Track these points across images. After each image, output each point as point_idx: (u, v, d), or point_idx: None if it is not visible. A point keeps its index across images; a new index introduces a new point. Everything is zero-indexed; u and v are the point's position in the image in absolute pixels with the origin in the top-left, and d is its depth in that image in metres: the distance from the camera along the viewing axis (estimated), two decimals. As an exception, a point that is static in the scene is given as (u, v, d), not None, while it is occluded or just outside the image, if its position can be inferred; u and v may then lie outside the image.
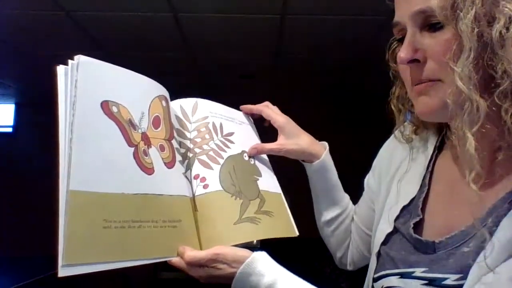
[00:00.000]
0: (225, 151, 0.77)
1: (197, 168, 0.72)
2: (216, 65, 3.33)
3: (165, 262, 0.62)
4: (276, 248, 0.98)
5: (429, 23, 0.55)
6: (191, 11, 2.38)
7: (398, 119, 0.71)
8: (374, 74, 2.28)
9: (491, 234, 0.51)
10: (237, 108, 0.88)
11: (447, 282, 0.54)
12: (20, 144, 4.31)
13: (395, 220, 0.67)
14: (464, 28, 0.51)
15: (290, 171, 1.38)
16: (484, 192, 0.52)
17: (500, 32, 0.50)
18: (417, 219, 0.64)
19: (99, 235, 0.54)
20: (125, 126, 0.62)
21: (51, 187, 0.57)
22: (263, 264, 0.61)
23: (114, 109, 0.61)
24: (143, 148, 0.64)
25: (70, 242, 0.51)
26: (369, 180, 0.83)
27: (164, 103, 0.72)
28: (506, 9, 0.50)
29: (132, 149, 0.62)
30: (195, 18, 2.46)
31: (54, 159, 0.55)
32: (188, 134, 0.76)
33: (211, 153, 0.75)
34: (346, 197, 0.89)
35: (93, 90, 0.60)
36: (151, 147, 0.65)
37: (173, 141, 0.71)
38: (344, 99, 4.29)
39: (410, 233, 0.63)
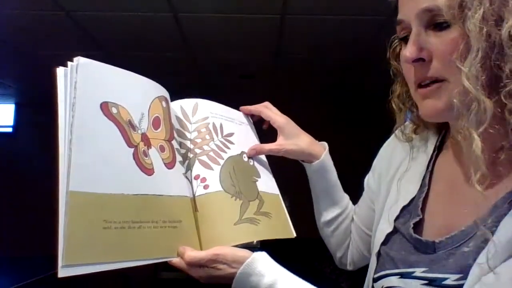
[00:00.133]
0: (225, 152, 0.77)
1: (197, 169, 0.73)
2: (216, 65, 3.33)
3: (166, 262, 0.62)
4: (276, 248, 0.98)
5: (435, 22, 0.55)
6: (191, 11, 2.38)
7: (398, 117, 0.71)
8: (374, 74, 2.29)
9: (492, 234, 0.51)
10: (237, 109, 0.88)
11: (447, 282, 0.54)
12: (20, 144, 4.30)
13: (395, 220, 0.67)
14: (472, 28, 0.51)
15: (289, 172, 1.38)
16: (486, 192, 0.52)
17: (509, 32, 0.50)
18: (417, 219, 0.64)
19: (99, 235, 0.54)
20: (125, 127, 0.62)
21: (51, 187, 0.57)
22: (263, 265, 0.61)
23: (114, 110, 0.61)
24: (143, 149, 0.64)
25: (70, 243, 0.51)
26: (369, 180, 0.83)
27: (164, 103, 0.72)
28: None
29: (132, 149, 0.62)
30: (195, 18, 2.46)
31: (54, 159, 0.55)
32: (188, 135, 0.76)
33: (211, 153, 0.75)
34: (346, 197, 0.89)
35: (92, 91, 0.60)
36: (151, 147, 0.65)
37: (173, 142, 0.71)
38: (344, 99, 4.28)
39: (410, 233, 0.63)
